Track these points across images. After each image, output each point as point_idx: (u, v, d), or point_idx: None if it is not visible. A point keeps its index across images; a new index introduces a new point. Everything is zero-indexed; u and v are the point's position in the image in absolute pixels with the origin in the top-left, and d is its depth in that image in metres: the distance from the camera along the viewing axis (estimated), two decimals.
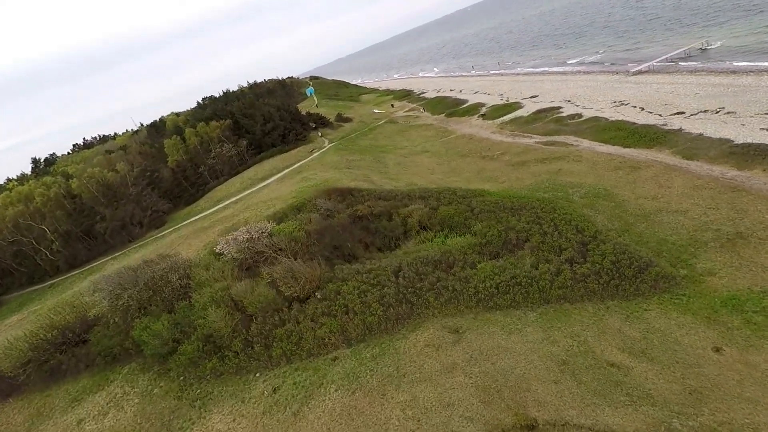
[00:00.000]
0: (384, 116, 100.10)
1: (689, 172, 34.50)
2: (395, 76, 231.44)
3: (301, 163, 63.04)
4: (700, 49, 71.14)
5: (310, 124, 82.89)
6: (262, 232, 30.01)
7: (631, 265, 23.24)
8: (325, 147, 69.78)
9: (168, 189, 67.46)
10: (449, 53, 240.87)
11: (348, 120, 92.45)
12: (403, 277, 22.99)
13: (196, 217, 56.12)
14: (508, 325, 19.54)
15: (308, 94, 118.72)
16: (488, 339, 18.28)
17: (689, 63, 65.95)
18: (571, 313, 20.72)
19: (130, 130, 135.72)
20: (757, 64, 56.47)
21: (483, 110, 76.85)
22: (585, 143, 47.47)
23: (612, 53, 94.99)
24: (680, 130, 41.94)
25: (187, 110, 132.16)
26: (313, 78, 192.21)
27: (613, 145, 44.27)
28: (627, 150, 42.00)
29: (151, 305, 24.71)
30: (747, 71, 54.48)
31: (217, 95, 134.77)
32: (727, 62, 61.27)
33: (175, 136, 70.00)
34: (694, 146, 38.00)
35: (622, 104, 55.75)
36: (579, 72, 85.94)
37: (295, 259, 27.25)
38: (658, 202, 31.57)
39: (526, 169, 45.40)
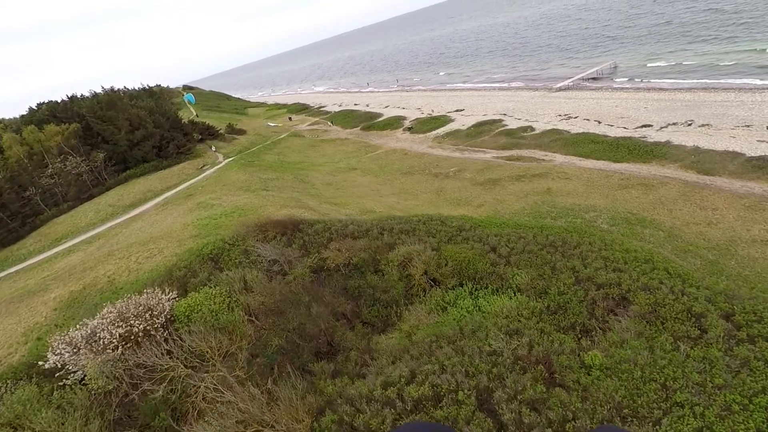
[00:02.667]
0: (283, 129, 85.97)
1: (722, 189, 28.42)
2: (278, 92, 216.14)
3: (189, 183, 46.29)
4: (609, 71, 72.12)
5: (195, 135, 65.19)
6: (153, 315, 15.13)
7: None
8: (220, 162, 53.54)
9: None
10: (327, 73, 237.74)
11: (242, 132, 76.39)
12: (514, 423, 10.64)
13: (18, 267, 36.19)
14: None
15: (186, 102, 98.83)
16: None
17: (610, 82, 65.48)
18: None
19: None
20: (679, 81, 56.73)
21: (407, 123, 67.94)
22: (559, 158, 40.42)
23: (514, 73, 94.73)
24: (668, 142, 36.91)
25: (14, 117, 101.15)
26: (188, 88, 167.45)
27: (597, 159, 37.74)
28: (620, 165, 35.47)
29: None
30: (675, 89, 53.98)
31: (59, 101, 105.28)
32: (645, 81, 61.55)
33: None
34: (701, 160, 32.58)
35: (570, 117, 51.02)
36: (494, 88, 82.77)
37: (233, 371, 13.27)
38: (719, 230, 24.35)
39: (503, 189, 36.44)
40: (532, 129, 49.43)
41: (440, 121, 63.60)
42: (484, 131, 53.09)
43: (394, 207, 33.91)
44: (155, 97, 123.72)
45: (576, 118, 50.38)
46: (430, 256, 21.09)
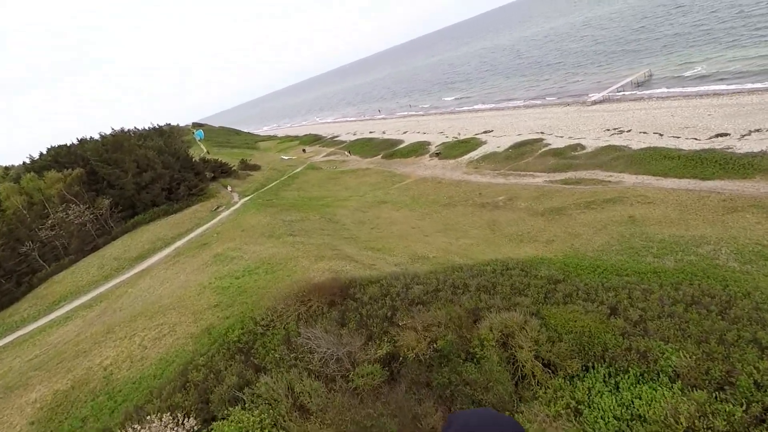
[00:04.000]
0: (298, 162, 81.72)
1: None
2: (285, 126, 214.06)
3: (203, 228, 41.32)
4: (644, 80, 67.20)
5: (207, 173, 60.85)
6: None
7: None
8: (236, 203, 48.69)
9: None
10: (330, 104, 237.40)
11: (256, 168, 72.07)
12: None
13: (7, 340, 30.96)
14: None
15: (196, 139, 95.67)
16: None
17: (653, 90, 60.31)
18: None
19: None
20: (736, 86, 51.29)
21: (433, 149, 63.03)
22: (628, 178, 34.82)
23: (533, 92, 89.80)
24: (765, 153, 31.15)
25: (20, 165, 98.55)
26: (197, 125, 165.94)
27: (680, 177, 32.01)
28: (713, 183, 29.72)
29: None
30: (735, 92, 48.44)
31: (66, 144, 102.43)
32: (690, 87, 56.40)
33: None
34: None
35: (623, 131, 45.58)
36: (520, 107, 78.01)
37: None
38: None
39: (571, 220, 30.76)
40: (583, 147, 44.04)
41: (470, 144, 58.59)
42: (525, 152, 47.81)
43: (448, 250, 28.33)
44: (165, 136, 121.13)
45: (629, 131, 44.94)
46: (535, 328, 15.36)
